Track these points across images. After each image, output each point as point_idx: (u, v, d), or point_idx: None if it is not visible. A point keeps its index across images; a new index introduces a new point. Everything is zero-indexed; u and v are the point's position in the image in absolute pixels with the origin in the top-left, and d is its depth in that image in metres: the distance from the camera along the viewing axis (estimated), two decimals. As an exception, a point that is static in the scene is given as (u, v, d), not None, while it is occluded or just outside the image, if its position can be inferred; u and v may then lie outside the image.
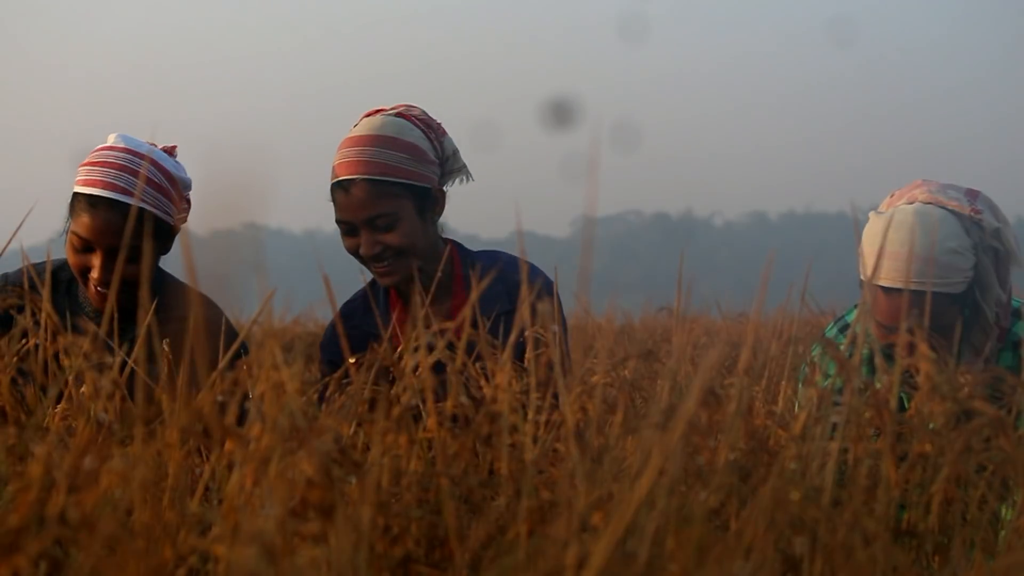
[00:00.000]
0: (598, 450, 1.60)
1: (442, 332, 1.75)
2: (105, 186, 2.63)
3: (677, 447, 1.31)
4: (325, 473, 1.34)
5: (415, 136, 2.70)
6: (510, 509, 1.53)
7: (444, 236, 2.82)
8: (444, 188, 2.77)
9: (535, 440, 1.68)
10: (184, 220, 2.79)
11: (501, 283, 2.67)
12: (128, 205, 2.62)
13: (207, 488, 1.60)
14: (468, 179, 2.82)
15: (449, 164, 2.77)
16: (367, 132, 2.70)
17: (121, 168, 2.65)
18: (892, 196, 2.76)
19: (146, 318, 1.81)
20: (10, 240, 2.62)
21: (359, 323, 2.79)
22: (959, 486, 1.69)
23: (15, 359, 1.94)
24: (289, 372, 1.47)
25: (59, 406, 1.82)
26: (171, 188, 2.71)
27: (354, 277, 2.93)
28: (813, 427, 1.66)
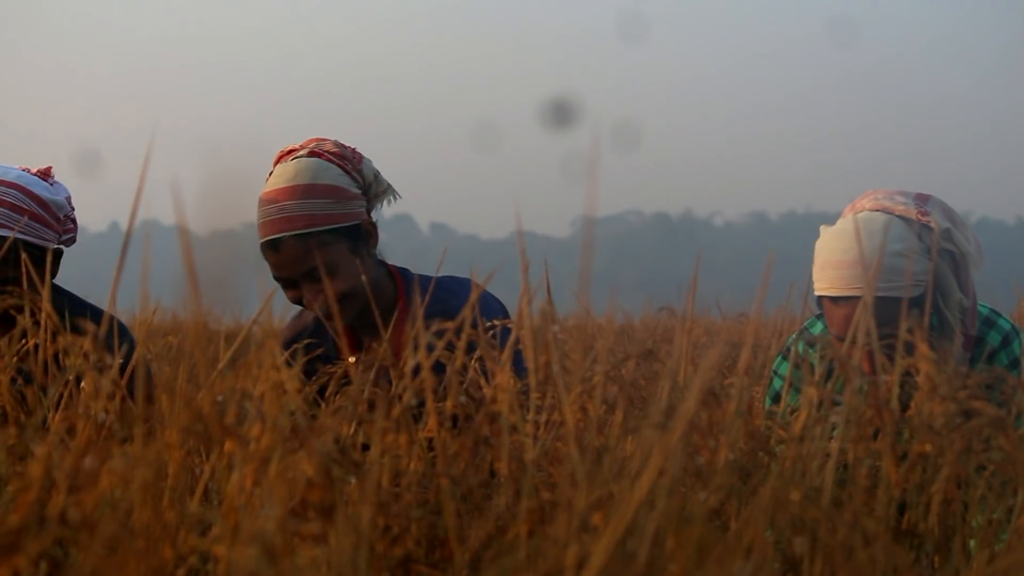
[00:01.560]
0: (598, 450, 1.60)
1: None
2: None
3: (677, 447, 1.31)
4: (325, 473, 1.34)
5: (332, 175, 2.65)
6: (510, 509, 1.53)
7: (390, 265, 2.78)
8: (373, 216, 2.72)
9: (535, 440, 1.68)
10: (71, 241, 2.80)
11: (439, 305, 2.64)
12: (2, 237, 2.62)
13: (207, 488, 1.60)
14: (395, 198, 2.77)
15: (372, 189, 2.72)
16: (283, 184, 2.65)
17: None
18: (846, 210, 2.73)
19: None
20: (9, 241, 2.63)
21: (319, 347, 2.74)
22: (959, 486, 1.69)
23: (15, 359, 1.94)
24: (289, 372, 1.47)
25: (59, 407, 1.83)
26: (44, 213, 2.72)
27: (354, 277, 2.93)
28: (813, 427, 1.66)
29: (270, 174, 2.72)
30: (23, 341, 1.96)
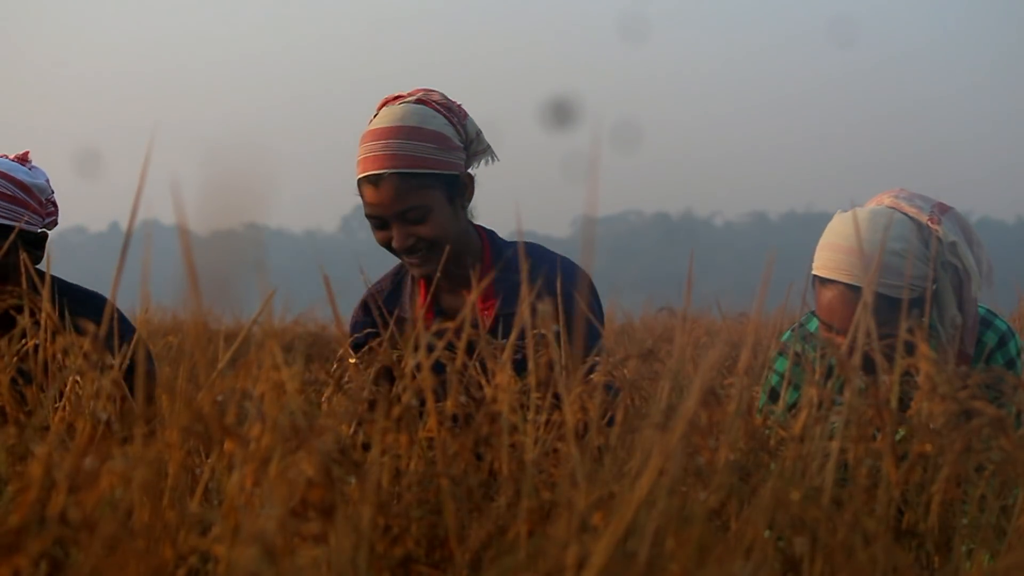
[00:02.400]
0: (598, 450, 1.60)
1: (442, 333, 1.75)
2: None
3: (677, 447, 1.31)
4: (325, 473, 1.34)
5: (438, 123, 2.66)
6: (510, 509, 1.53)
7: (478, 225, 2.78)
8: (471, 172, 2.73)
9: (535, 440, 1.68)
10: (53, 224, 2.82)
11: (528, 277, 2.65)
12: None
13: (207, 488, 1.60)
14: (493, 160, 2.77)
15: (473, 146, 2.72)
16: (390, 123, 2.66)
17: None
18: (868, 202, 2.73)
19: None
20: (10, 240, 2.63)
21: (385, 306, 2.79)
22: (959, 486, 1.69)
23: (15, 359, 1.94)
24: (289, 372, 1.47)
25: (59, 406, 1.83)
26: (27, 197, 2.73)
27: (354, 277, 2.93)
28: (813, 427, 1.66)
29: (374, 116, 2.73)
30: (23, 341, 1.96)
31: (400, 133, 2.64)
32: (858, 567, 1.45)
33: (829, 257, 2.58)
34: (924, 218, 2.57)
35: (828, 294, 2.58)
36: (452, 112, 2.70)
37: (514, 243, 2.79)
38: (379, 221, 2.67)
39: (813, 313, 2.78)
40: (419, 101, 2.70)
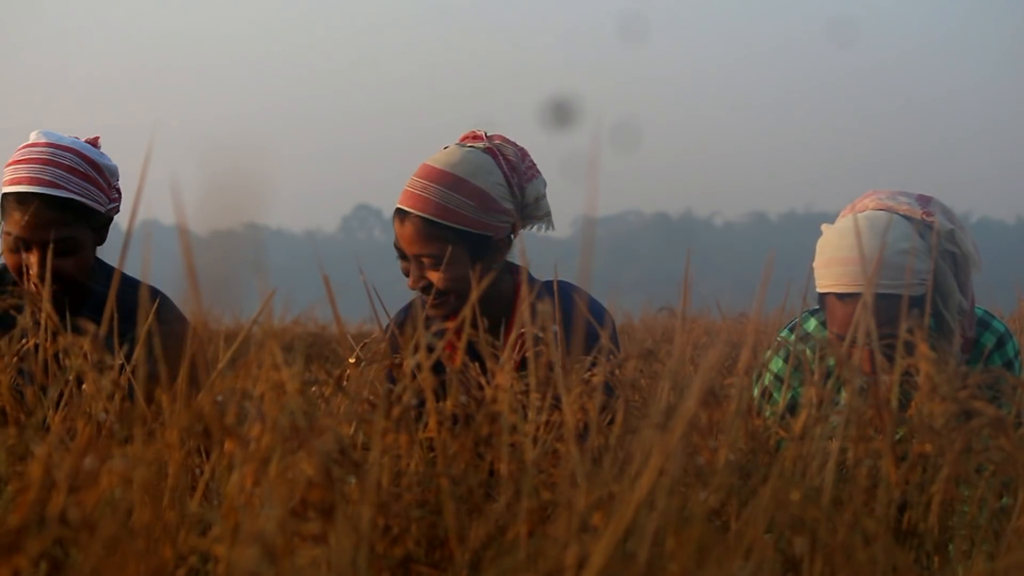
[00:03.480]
0: (598, 450, 1.60)
1: (441, 333, 1.75)
2: (32, 181, 2.65)
3: (677, 447, 1.31)
4: (325, 473, 1.34)
5: (490, 181, 2.61)
6: (510, 509, 1.53)
7: (514, 265, 2.74)
8: (518, 231, 2.67)
9: (535, 440, 1.68)
10: (116, 210, 2.82)
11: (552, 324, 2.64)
12: (58, 198, 2.64)
13: (207, 488, 1.60)
14: (550, 228, 2.72)
15: (529, 210, 2.67)
16: (441, 166, 2.62)
17: (45, 162, 2.66)
18: (846, 209, 2.73)
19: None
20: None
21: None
22: (959, 485, 1.69)
23: (15, 359, 1.94)
24: (289, 372, 1.47)
25: (60, 407, 1.83)
26: (98, 176, 2.73)
27: (354, 277, 2.93)
28: (813, 427, 1.66)
29: (443, 149, 2.70)
30: (23, 341, 1.96)
31: (443, 179, 2.60)
32: (858, 567, 1.45)
33: (842, 272, 2.57)
34: (917, 213, 2.59)
35: (848, 308, 2.57)
36: (515, 171, 2.64)
37: (548, 282, 2.73)
38: (401, 254, 2.66)
39: (810, 312, 2.78)
40: (488, 150, 2.65)
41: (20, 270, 2.68)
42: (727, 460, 1.55)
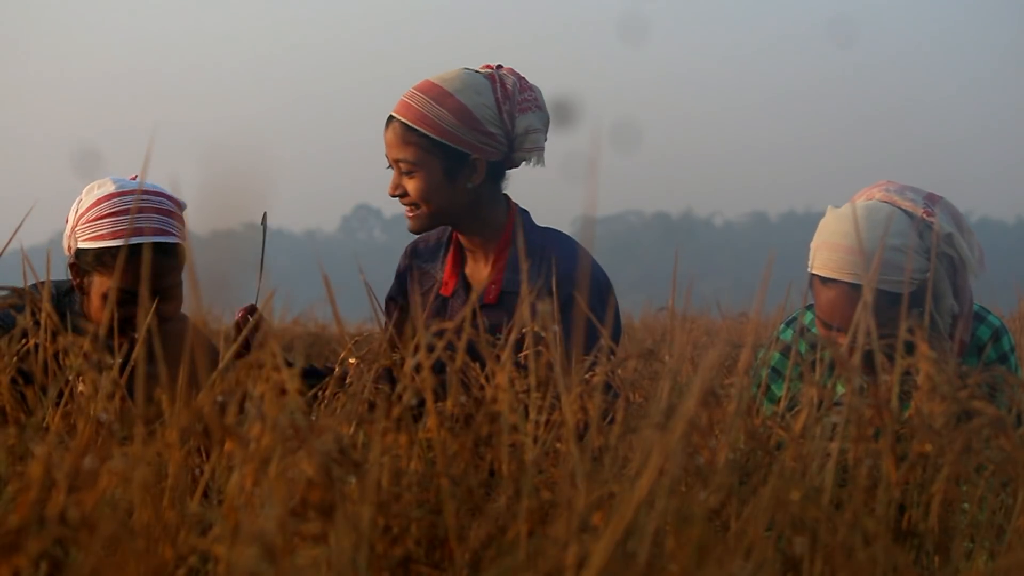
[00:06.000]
0: (598, 450, 1.60)
1: (442, 333, 1.75)
2: (145, 232, 2.62)
3: (677, 447, 1.31)
4: (325, 473, 1.34)
5: (477, 101, 2.68)
6: (510, 509, 1.52)
7: (515, 204, 2.81)
8: (511, 164, 2.75)
9: (535, 440, 1.68)
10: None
11: (536, 266, 2.69)
12: (162, 243, 2.63)
13: (207, 488, 1.60)
14: (539, 163, 2.78)
15: (518, 141, 2.73)
16: (435, 81, 2.71)
17: (152, 211, 2.66)
18: (856, 195, 2.72)
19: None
20: (10, 240, 2.62)
21: (423, 264, 2.86)
22: (959, 485, 1.69)
23: (15, 359, 1.94)
24: (289, 372, 1.47)
25: (59, 406, 1.82)
26: (179, 212, 2.72)
27: (354, 277, 2.93)
28: (813, 427, 1.66)
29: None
30: (23, 341, 1.96)
31: (430, 91, 2.69)
32: (858, 567, 1.45)
33: (829, 257, 2.57)
34: (919, 211, 2.58)
35: (830, 294, 2.58)
36: (509, 99, 2.71)
37: (546, 229, 2.81)
38: (388, 162, 2.74)
39: (808, 307, 2.78)
40: (488, 76, 2.72)
41: (113, 323, 2.54)
42: (727, 460, 1.55)
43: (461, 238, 2.80)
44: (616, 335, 2.73)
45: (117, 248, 2.61)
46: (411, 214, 2.73)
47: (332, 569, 1.32)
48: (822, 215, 2.69)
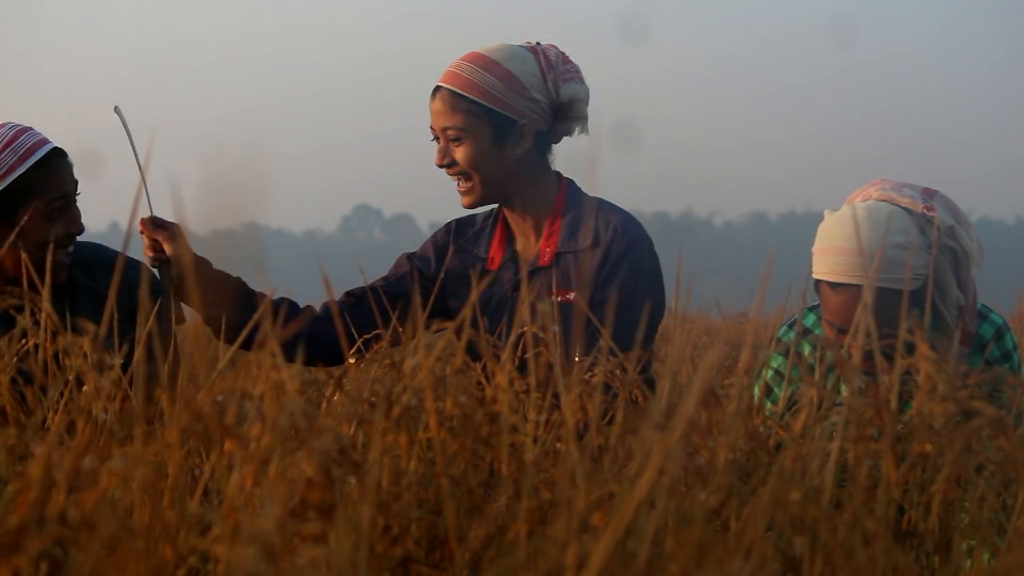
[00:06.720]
0: (598, 450, 1.60)
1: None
2: (41, 143, 2.68)
3: (677, 447, 1.31)
4: (325, 473, 1.34)
5: (523, 69, 2.71)
6: (510, 509, 1.52)
7: (563, 176, 2.83)
8: (558, 136, 2.77)
9: (535, 440, 1.68)
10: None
11: (591, 225, 2.72)
12: (58, 148, 2.68)
13: (207, 488, 1.60)
14: (584, 132, 2.81)
15: (563, 110, 2.75)
16: (480, 51, 2.74)
17: (23, 131, 2.68)
18: (850, 196, 2.73)
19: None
20: (10, 240, 2.63)
21: (464, 242, 2.87)
22: (959, 485, 1.69)
23: (15, 359, 1.94)
24: (289, 372, 1.46)
25: (60, 405, 1.82)
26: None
27: (354, 277, 2.92)
28: (813, 427, 1.66)
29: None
30: (23, 341, 1.96)
31: (476, 60, 2.72)
32: (858, 567, 1.45)
33: (836, 261, 2.57)
34: (919, 207, 2.58)
35: (839, 298, 2.57)
36: (553, 69, 2.74)
37: (597, 199, 2.83)
38: (434, 134, 2.76)
39: (810, 308, 2.78)
40: (531, 48, 2.75)
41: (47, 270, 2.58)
42: (727, 460, 1.55)
43: (510, 216, 2.81)
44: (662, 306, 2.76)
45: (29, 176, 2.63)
46: (463, 188, 2.75)
47: (332, 569, 1.32)
48: (822, 215, 2.69)
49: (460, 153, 2.71)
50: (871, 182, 2.70)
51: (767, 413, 2.04)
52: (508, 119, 2.70)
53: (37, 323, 1.97)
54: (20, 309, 2.02)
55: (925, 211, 2.58)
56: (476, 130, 2.69)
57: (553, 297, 2.68)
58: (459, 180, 2.75)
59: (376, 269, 2.97)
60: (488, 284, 2.79)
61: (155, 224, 2.72)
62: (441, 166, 2.75)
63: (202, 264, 2.78)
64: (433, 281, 2.81)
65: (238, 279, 2.79)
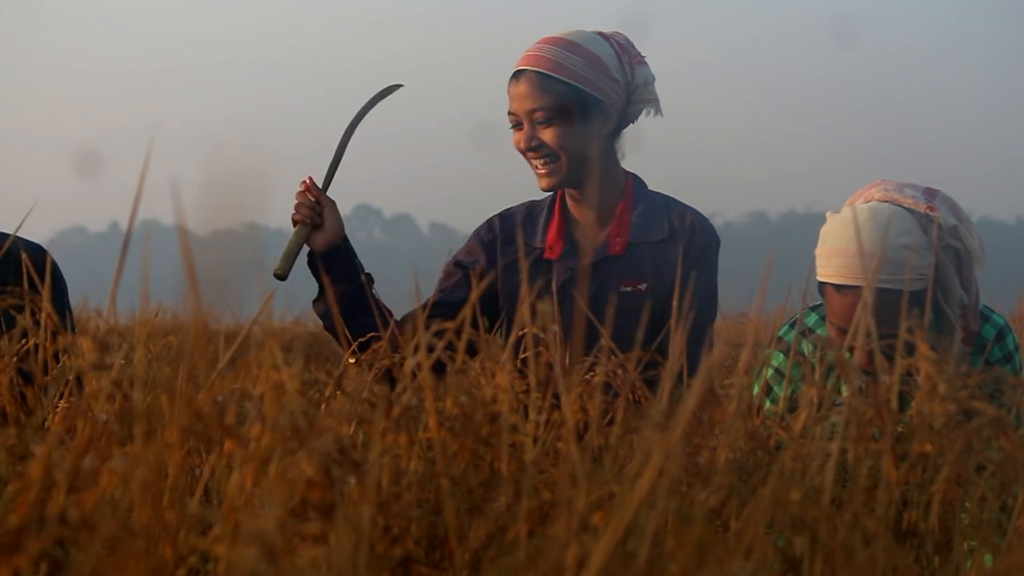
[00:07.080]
0: (598, 450, 1.60)
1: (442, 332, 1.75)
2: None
3: (677, 447, 1.31)
4: (325, 473, 1.34)
5: (602, 50, 2.72)
6: (510, 509, 1.52)
7: (628, 171, 2.84)
8: (627, 121, 2.79)
9: (535, 440, 1.68)
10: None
11: (664, 219, 2.73)
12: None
13: (207, 488, 1.60)
14: (656, 113, 2.81)
15: (638, 93, 2.77)
16: (557, 34, 2.75)
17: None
18: (852, 197, 2.73)
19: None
20: (10, 239, 2.62)
21: (514, 233, 2.86)
22: (959, 485, 1.69)
23: (15, 359, 1.94)
24: (289, 372, 1.47)
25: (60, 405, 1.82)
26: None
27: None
28: (813, 427, 1.66)
29: None
30: (23, 341, 1.96)
31: (558, 43, 2.72)
32: (858, 567, 1.45)
33: (841, 263, 2.58)
34: (921, 207, 2.59)
35: (845, 300, 2.58)
36: (625, 52, 2.76)
37: (657, 193, 2.85)
38: (515, 120, 2.74)
39: (811, 308, 2.79)
40: (600, 33, 2.77)
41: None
42: (727, 460, 1.55)
43: (572, 205, 2.80)
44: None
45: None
46: (545, 169, 2.73)
47: (332, 569, 1.32)
48: (822, 215, 2.69)
49: (548, 134, 2.69)
50: (872, 183, 2.70)
51: (767, 412, 2.04)
52: (595, 99, 2.71)
53: (37, 323, 1.97)
54: (21, 309, 2.01)
55: (927, 211, 2.58)
56: (565, 110, 2.69)
57: (623, 287, 2.69)
58: (543, 162, 2.73)
59: (376, 269, 2.97)
60: (551, 273, 2.78)
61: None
62: (527, 150, 2.72)
63: (345, 243, 2.78)
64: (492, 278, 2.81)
65: (368, 274, 2.79)
